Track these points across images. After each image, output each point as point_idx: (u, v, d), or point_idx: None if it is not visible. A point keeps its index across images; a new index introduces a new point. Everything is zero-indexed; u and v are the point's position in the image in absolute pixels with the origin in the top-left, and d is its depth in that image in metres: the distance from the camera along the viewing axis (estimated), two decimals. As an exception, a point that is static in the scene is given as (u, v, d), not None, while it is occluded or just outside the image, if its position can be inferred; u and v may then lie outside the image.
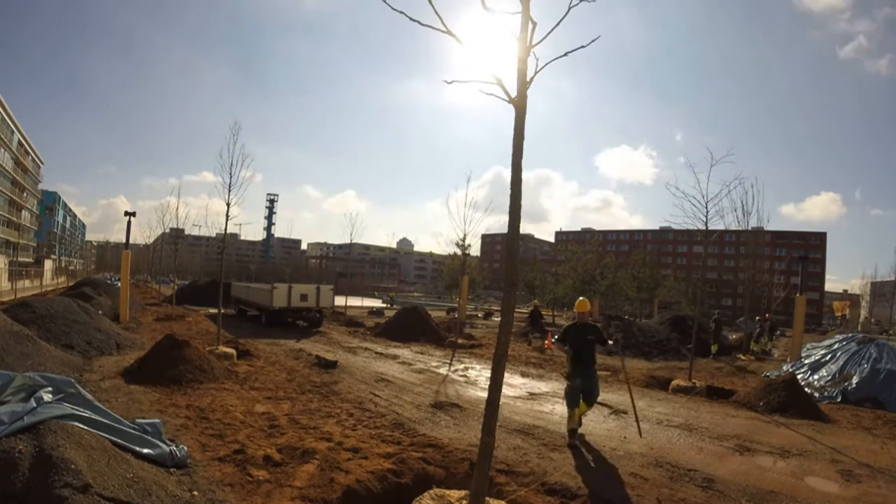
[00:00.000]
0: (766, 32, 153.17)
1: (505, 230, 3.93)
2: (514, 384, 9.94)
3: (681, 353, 15.66)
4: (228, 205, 11.04)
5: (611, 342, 6.87)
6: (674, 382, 10.59)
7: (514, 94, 3.61)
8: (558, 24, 3.67)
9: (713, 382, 11.06)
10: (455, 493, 4.25)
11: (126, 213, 16.46)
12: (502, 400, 8.30)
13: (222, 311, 12.00)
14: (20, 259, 53.01)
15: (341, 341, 15.23)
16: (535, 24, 3.55)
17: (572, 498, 4.63)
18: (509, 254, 3.82)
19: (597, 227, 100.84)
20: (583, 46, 3.95)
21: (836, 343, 12.21)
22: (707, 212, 10.42)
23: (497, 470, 5.10)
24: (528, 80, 3.59)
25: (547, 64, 3.67)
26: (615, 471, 5.26)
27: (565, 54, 3.89)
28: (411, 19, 3.62)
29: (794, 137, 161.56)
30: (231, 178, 10.97)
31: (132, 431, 4.26)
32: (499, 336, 3.81)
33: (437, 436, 6.17)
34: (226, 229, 11.81)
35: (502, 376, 3.76)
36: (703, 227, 10.57)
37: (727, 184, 11.20)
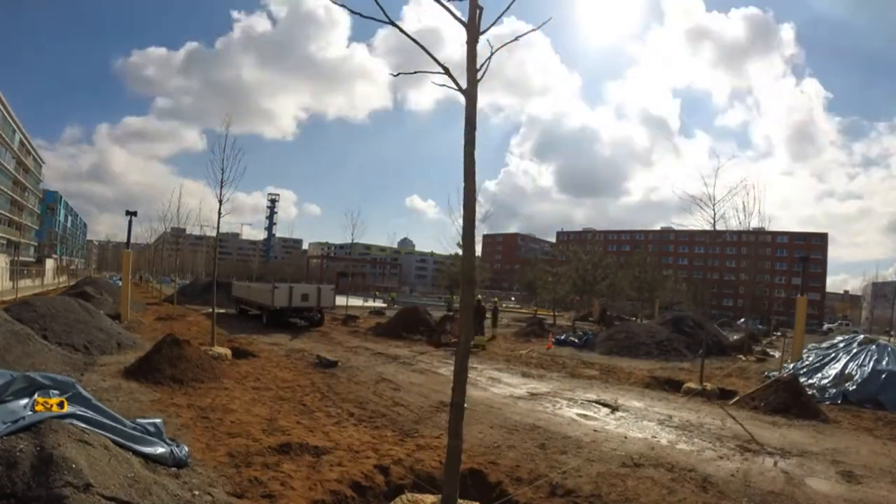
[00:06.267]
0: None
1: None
2: (515, 384, 9.93)
3: (681, 353, 15.64)
4: (221, 201, 10.88)
5: None
6: (685, 386, 10.36)
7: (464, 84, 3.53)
8: (508, 7, 3.67)
9: (713, 383, 11.00)
10: (428, 498, 4.25)
11: (127, 213, 16.47)
12: (502, 400, 8.36)
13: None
14: (21, 258, 53.01)
15: (342, 341, 15.23)
16: (481, 8, 3.51)
17: (573, 498, 4.62)
18: (466, 246, 3.70)
19: (598, 227, 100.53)
20: (533, 29, 4.00)
21: (837, 344, 12.20)
22: (714, 214, 10.48)
23: (498, 470, 5.10)
24: (478, 67, 3.52)
25: (499, 48, 3.63)
26: (616, 471, 5.25)
27: (516, 38, 3.87)
28: (352, 12, 3.59)
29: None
30: (223, 173, 10.72)
31: (133, 431, 4.26)
32: (460, 336, 3.70)
33: (438, 436, 6.17)
34: (218, 227, 11.69)
35: (465, 380, 3.69)
36: (711, 229, 10.64)
37: (734, 187, 11.31)
